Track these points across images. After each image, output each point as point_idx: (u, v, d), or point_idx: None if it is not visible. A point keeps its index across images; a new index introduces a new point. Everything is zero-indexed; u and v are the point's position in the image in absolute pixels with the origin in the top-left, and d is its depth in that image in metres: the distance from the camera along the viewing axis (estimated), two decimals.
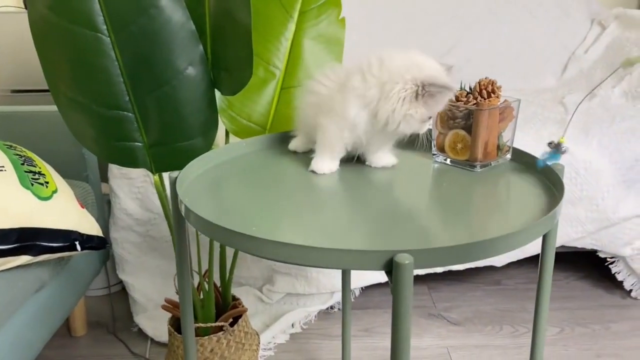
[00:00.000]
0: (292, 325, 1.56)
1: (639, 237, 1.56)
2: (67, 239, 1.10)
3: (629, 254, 1.58)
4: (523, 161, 0.88)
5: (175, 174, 0.81)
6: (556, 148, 0.80)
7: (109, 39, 0.97)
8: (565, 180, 1.52)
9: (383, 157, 0.90)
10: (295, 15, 1.20)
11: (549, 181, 0.81)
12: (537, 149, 0.86)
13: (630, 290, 1.66)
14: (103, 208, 1.55)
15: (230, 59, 1.02)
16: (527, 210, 0.74)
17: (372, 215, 0.73)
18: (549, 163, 0.81)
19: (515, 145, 0.91)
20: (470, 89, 0.88)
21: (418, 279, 1.69)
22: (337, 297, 1.60)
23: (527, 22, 2.05)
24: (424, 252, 0.58)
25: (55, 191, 1.12)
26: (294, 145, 0.97)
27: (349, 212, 0.75)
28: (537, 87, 1.95)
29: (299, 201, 0.79)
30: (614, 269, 1.64)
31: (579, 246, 1.60)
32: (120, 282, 1.66)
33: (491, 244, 0.61)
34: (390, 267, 0.57)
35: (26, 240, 1.03)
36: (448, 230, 0.69)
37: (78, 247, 1.13)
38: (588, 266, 1.81)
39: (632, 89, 1.76)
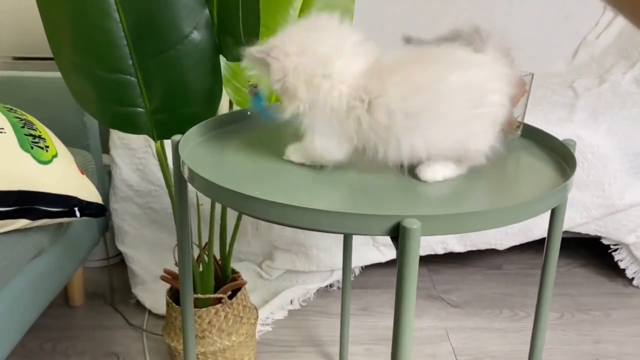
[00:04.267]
0: (291, 302, 1.55)
1: None
2: (66, 204, 1.09)
3: (633, 241, 1.56)
4: (534, 137, 0.86)
5: (177, 137, 0.79)
6: (252, 91, 0.78)
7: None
8: None
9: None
10: None
11: (559, 157, 0.79)
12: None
13: (633, 279, 1.64)
14: (104, 178, 1.53)
15: (237, 24, 0.99)
16: (539, 184, 0.72)
17: (380, 184, 0.71)
18: (259, 109, 0.80)
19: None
20: None
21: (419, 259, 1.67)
22: (337, 275, 1.59)
23: (539, 5, 2.01)
24: (431, 218, 0.56)
25: (55, 155, 1.10)
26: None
27: (357, 182, 0.73)
28: (547, 71, 1.93)
29: (305, 171, 0.77)
30: (617, 256, 1.63)
31: (583, 232, 1.58)
32: (119, 253, 1.65)
33: (502, 213, 0.59)
34: (396, 232, 0.56)
35: (24, 203, 1.02)
36: (457, 200, 0.67)
37: (77, 213, 1.12)
38: (589, 254, 1.79)
39: None
